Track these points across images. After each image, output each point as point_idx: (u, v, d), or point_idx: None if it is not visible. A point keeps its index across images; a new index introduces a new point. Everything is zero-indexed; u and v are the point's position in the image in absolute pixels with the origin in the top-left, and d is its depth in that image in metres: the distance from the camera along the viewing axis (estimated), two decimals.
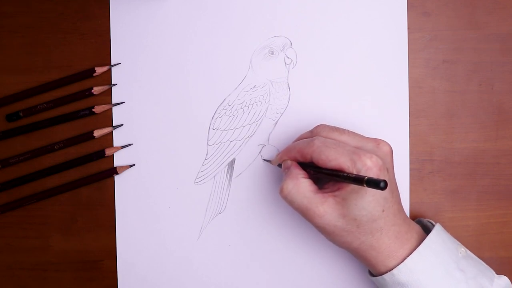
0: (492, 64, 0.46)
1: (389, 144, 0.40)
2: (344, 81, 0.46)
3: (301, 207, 0.39)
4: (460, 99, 0.46)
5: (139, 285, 0.47)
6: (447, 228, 0.46)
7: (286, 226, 0.46)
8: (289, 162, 0.41)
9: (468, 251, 0.41)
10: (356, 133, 0.40)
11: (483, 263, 0.41)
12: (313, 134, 0.41)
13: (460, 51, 0.46)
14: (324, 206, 0.38)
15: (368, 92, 0.46)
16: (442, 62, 0.46)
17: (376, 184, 0.33)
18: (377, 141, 0.40)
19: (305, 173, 0.40)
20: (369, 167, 0.36)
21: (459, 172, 0.46)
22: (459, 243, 0.41)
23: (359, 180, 0.34)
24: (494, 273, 0.40)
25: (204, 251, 0.46)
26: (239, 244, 0.46)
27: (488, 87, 0.46)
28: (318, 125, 0.41)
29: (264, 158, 0.46)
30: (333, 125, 0.41)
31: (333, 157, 0.37)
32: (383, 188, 0.33)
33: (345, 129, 0.40)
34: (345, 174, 0.36)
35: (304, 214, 0.39)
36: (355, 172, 0.36)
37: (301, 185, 0.39)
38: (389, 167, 0.39)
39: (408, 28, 0.46)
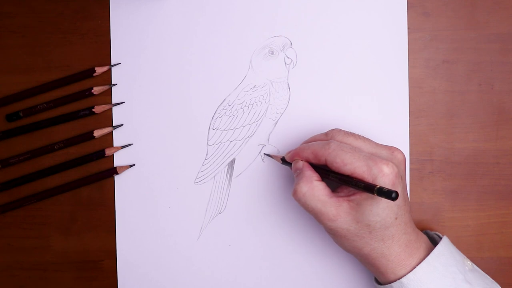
0: (492, 64, 0.46)
1: (402, 153, 0.40)
2: (344, 81, 0.46)
3: (315, 210, 0.39)
4: (460, 99, 0.46)
5: (139, 285, 0.47)
6: (447, 228, 0.46)
7: (286, 226, 0.46)
8: (300, 163, 0.41)
9: (474, 265, 0.41)
10: (370, 139, 0.40)
11: (488, 277, 0.41)
12: (327, 137, 0.41)
13: (460, 51, 0.46)
14: (338, 210, 0.38)
15: (368, 92, 0.46)
16: (442, 62, 0.46)
17: (387, 194, 0.33)
18: (391, 149, 0.40)
19: (318, 175, 0.40)
20: (386, 174, 0.36)
21: (459, 172, 0.46)
22: (465, 257, 0.41)
23: (370, 189, 0.34)
24: (499, 286, 0.40)
25: (204, 251, 0.46)
26: (239, 244, 0.46)
27: (488, 87, 0.46)
28: (333, 129, 0.41)
29: (265, 153, 0.46)
30: (333, 125, 0.41)
31: (348, 161, 0.37)
32: (395, 198, 0.33)
33: (360, 135, 0.40)
34: (355, 181, 0.36)
35: (317, 217, 0.39)
36: (370, 178, 0.36)
37: (315, 188, 0.39)
38: (403, 175, 0.39)
39: (408, 28, 0.46)
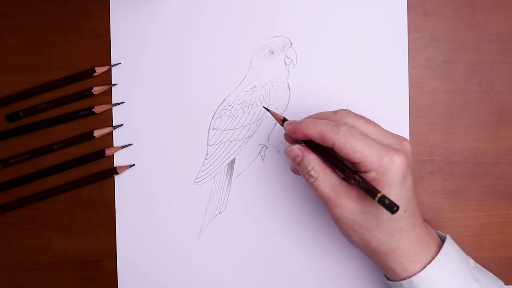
0: (492, 64, 0.46)
1: (410, 143, 0.38)
2: (344, 81, 0.46)
3: (324, 194, 0.37)
4: (460, 99, 0.46)
5: (139, 285, 0.47)
6: (447, 228, 0.46)
7: (286, 226, 0.46)
8: (296, 149, 0.38)
9: (477, 264, 0.40)
10: (379, 126, 0.39)
11: (491, 273, 0.40)
12: (337, 116, 0.38)
13: (460, 51, 0.46)
14: (347, 198, 0.36)
15: (368, 92, 0.46)
16: (442, 62, 0.46)
17: (389, 207, 0.32)
18: (400, 138, 0.38)
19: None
20: (397, 165, 0.35)
21: (459, 172, 0.46)
22: (468, 255, 0.40)
23: (371, 193, 0.33)
24: (504, 284, 0.40)
25: (204, 251, 0.46)
26: (239, 244, 0.46)
27: (488, 87, 0.46)
28: (342, 109, 0.39)
29: (264, 106, 0.45)
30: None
31: (359, 148, 0.35)
32: (394, 212, 0.32)
33: (370, 120, 0.38)
34: (357, 180, 0.35)
35: (325, 202, 0.37)
36: (380, 168, 0.35)
37: (327, 171, 0.37)
38: (412, 166, 0.38)
39: (408, 28, 0.46)
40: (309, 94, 0.46)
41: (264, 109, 0.44)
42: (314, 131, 0.37)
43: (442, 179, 0.46)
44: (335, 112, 0.39)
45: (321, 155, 0.38)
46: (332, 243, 0.46)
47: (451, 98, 0.46)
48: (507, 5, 0.45)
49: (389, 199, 0.33)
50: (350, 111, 0.39)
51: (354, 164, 0.36)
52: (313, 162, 0.38)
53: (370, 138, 0.36)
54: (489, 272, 0.41)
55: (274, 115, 0.41)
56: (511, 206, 0.46)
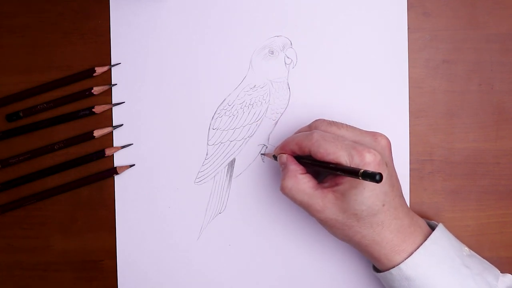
0: (492, 64, 0.46)
1: (386, 137, 0.40)
2: (344, 81, 0.46)
3: (303, 203, 0.39)
4: (460, 99, 0.46)
5: (139, 285, 0.47)
6: (447, 228, 0.46)
7: (286, 225, 0.46)
8: (284, 157, 0.41)
9: (472, 251, 0.41)
10: (354, 127, 0.40)
11: (487, 262, 0.41)
12: (311, 128, 0.41)
13: (460, 51, 0.46)
14: (325, 202, 0.38)
15: (368, 92, 0.46)
16: (442, 62, 0.46)
17: (372, 176, 0.33)
18: (375, 135, 0.40)
19: (303, 168, 0.40)
20: (367, 163, 0.36)
21: (459, 172, 0.46)
22: (463, 244, 0.41)
23: (355, 173, 0.34)
24: (499, 271, 0.40)
25: (204, 251, 0.46)
26: (239, 244, 0.46)
27: (488, 87, 0.46)
28: (316, 120, 0.41)
29: (262, 153, 0.46)
30: None
31: (331, 150, 0.37)
32: (379, 181, 0.32)
33: (343, 123, 0.40)
34: (340, 167, 0.36)
35: (306, 209, 0.40)
36: (352, 166, 0.36)
37: (300, 182, 0.39)
38: (388, 161, 0.39)
39: (408, 28, 0.46)
40: (309, 94, 0.46)
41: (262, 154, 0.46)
42: (292, 144, 0.40)
43: (442, 179, 0.46)
44: (310, 125, 0.42)
45: (308, 165, 0.40)
46: (331, 243, 0.46)
47: (451, 98, 0.46)
48: (507, 5, 0.45)
49: (370, 171, 0.33)
50: (323, 120, 0.41)
51: None
52: (290, 173, 0.40)
53: (342, 140, 0.38)
54: (485, 260, 0.41)
55: (267, 155, 0.46)
56: (511, 206, 0.46)
